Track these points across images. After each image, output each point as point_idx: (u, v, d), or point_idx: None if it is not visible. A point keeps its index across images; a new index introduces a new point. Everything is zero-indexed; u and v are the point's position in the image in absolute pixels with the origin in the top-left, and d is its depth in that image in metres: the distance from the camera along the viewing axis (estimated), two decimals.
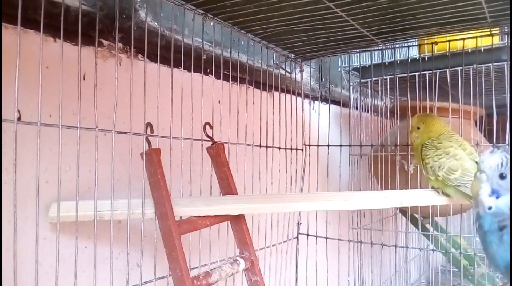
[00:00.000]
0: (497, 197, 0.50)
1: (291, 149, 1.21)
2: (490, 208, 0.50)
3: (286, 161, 1.18)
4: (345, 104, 1.62)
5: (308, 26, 0.93)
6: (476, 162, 0.87)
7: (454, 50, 1.16)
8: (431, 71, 1.21)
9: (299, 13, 0.84)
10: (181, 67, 0.85)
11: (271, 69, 1.19)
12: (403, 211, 1.55)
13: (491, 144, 1.10)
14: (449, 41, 1.15)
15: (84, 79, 0.76)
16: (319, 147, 1.30)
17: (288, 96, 1.22)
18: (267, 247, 1.10)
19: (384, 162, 1.26)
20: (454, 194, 0.88)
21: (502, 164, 0.50)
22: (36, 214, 0.58)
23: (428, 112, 1.15)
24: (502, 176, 0.50)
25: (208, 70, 0.99)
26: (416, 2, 0.80)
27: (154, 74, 0.76)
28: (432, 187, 0.94)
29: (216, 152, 0.86)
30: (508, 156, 0.50)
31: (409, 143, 1.20)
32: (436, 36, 1.16)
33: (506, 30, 1.04)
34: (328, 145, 1.32)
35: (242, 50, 1.07)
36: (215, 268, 0.76)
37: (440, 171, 0.87)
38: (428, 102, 1.22)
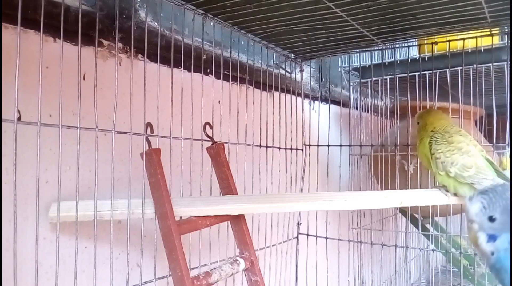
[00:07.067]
0: (494, 241, 0.50)
1: (291, 149, 1.21)
2: (493, 254, 0.50)
3: (286, 161, 1.18)
4: (345, 104, 1.62)
5: (308, 26, 0.93)
6: (487, 160, 0.87)
7: (454, 50, 1.16)
8: (431, 71, 1.21)
9: (299, 13, 0.84)
10: (181, 67, 0.85)
11: (271, 69, 1.19)
12: (403, 211, 1.55)
13: (491, 144, 1.10)
14: (449, 41, 1.15)
15: (84, 79, 0.76)
16: (319, 147, 1.30)
17: (288, 96, 1.22)
18: (267, 247, 1.10)
19: (384, 162, 1.26)
20: (467, 192, 0.84)
21: (485, 207, 0.50)
22: (36, 214, 0.57)
23: None
24: (491, 219, 0.49)
25: (208, 70, 0.99)
26: (416, 2, 0.80)
27: (154, 74, 0.76)
28: (438, 185, 0.93)
29: (216, 152, 0.86)
30: (489, 196, 0.50)
31: (409, 143, 1.20)
32: (436, 36, 1.16)
33: (506, 30, 1.04)
34: (328, 145, 1.32)
35: (242, 50, 1.07)
36: (215, 268, 0.76)
37: (453, 167, 0.85)
38: (428, 102, 1.22)
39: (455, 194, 0.88)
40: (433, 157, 0.90)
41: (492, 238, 0.50)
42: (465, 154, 0.86)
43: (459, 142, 0.88)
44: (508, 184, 0.51)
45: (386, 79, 1.32)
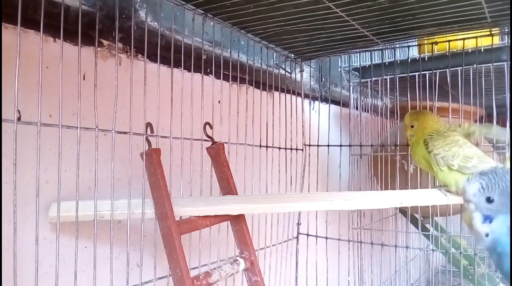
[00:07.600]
0: (490, 222, 0.49)
1: (291, 149, 1.21)
2: (487, 235, 0.49)
3: (286, 161, 1.18)
4: (345, 104, 1.62)
5: (308, 26, 0.93)
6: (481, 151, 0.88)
7: (454, 50, 1.16)
8: (431, 71, 1.21)
9: (299, 13, 0.84)
10: (181, 67, 0.85)
11: (271, 69, 1.19)
12: (403, 211, 1.55)
13: (491, 144, 1.10)
14: (449, 41, 1.15)
15: (84, 79, 0.76)
16: (319, 147, 1.30)
17: (288, 96, 1.22)
18: (267, 247, 1.10)
19: (384, 162, 1.26)
20: None
21: (483, 188, 0.49)
22: (36, 214, 0.57)
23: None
24: (489, 200, 0.49)
25: (208, 70, 0.99)
26: (416, 2, 0.80)
27: (154, 74, 0.76)
28: (438, 185, 0.93)
29: (216, 152, 0.86)
30: (488, 177, 0.49)
31: (409, 143, 1.20)
32: (436, 36, 1.16)
33: (506, 30, 1.04)
34: (328, 145, 1.32)
35: (242, 50, 1.07)
36: (215, 268, 0.76)
37: (455, 160, 0.86)
38: (428, 102, 1.22)
39: (456, 192, 0.88)
40: (432, 154, 0.90)
41: (487, 219, 0.49)
42: (464, 145, 0.87)
43: (455, 136, 0.90)
44: (508, 167, 0.50)
45: (386, 79, 1.32)
